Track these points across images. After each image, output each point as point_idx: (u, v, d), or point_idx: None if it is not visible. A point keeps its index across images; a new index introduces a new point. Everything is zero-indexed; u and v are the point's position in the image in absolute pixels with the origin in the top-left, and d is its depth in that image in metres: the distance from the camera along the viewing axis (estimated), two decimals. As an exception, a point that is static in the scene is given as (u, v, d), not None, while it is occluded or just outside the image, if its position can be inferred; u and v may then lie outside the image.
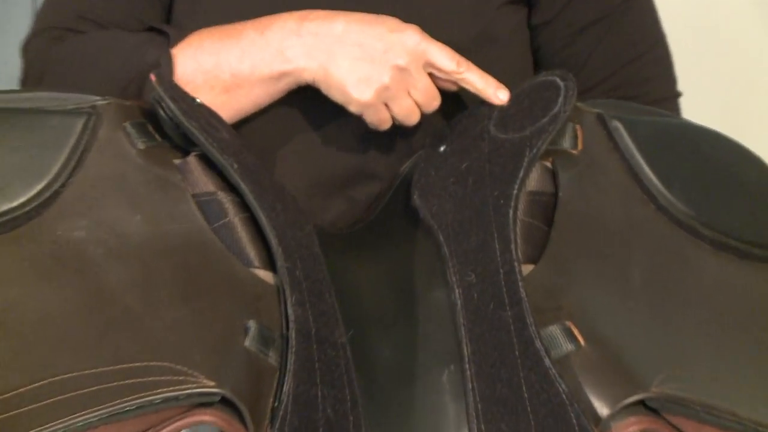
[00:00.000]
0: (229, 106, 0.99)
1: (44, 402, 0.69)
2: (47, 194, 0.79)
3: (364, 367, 0.82)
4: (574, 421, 0.76)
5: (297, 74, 0.98)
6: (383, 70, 0.95)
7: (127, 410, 0.71)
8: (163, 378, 0.72)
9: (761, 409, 0.77)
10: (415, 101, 0.98)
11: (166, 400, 0.72)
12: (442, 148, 0.97)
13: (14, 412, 0.68)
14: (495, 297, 0.82)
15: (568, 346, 0.79)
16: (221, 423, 0.74)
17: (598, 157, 0.91)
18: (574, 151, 0.92)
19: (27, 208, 0.79)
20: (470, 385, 0.79)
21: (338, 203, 1.06)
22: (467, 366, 0.80)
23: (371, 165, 1.06)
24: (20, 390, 0.69)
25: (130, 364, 0.73)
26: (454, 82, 0.99)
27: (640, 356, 0.79)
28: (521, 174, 0.87)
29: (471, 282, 0.84)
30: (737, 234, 0.87)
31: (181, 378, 0.73)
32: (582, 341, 0.79)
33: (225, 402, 0.75)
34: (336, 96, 0.97)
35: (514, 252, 0.83)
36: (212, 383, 0.73)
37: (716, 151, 0.93)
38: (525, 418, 0.77)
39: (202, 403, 0.74)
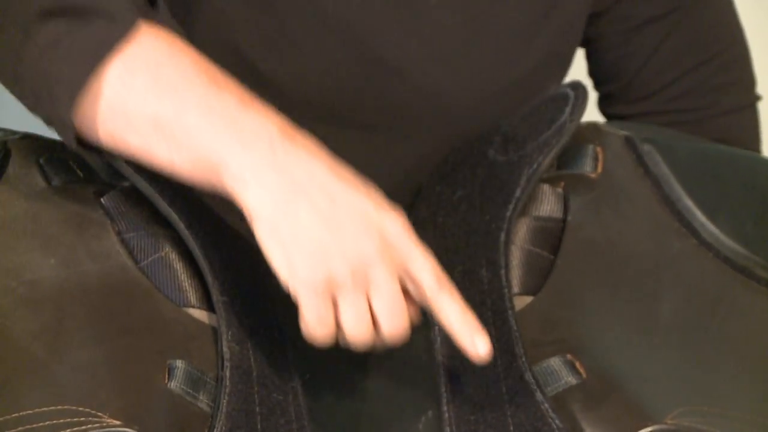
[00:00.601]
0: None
1: None
2: None
3: (323, 416, 0.71)
4: None
5: (230, 186, 0.67)
6: (348, 251, 0.65)
7: None
8: (60, 421, 0.64)
9: None
10: (372, 311, 0.67)
11: None
12: (438, 187, 0.85)
13: None
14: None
15: (567, 380, 0.69)
16: None
17: (623, 182, 0.80)
18: (593, 175, 0.80)
19: None
20: (448, 430, 0.68)
21: None
22: (445, 409, 0.69)
23: None
24: None
25: (27, 412, 0.64)
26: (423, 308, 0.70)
27: (655, 390, 0.68)
28: (517, 193, 0.76)
29: None
30: None
31: (81, 419, 0.64)
32: (584, 374, 0.69)
33: None
34: (267, 248, 0.66)
35: (503, 278, 0.72)
36: (117, 422, 0.64)
37: None
38: None
39: None
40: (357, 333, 0.66)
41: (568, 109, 0.79)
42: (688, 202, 0.78)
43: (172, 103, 0.66)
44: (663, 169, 0.80)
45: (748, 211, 0.79)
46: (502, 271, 0.72)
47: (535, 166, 0.77)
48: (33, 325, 0.68)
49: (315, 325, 0.66)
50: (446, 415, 0.69)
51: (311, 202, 0.65)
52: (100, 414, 0.64)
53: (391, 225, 0.66)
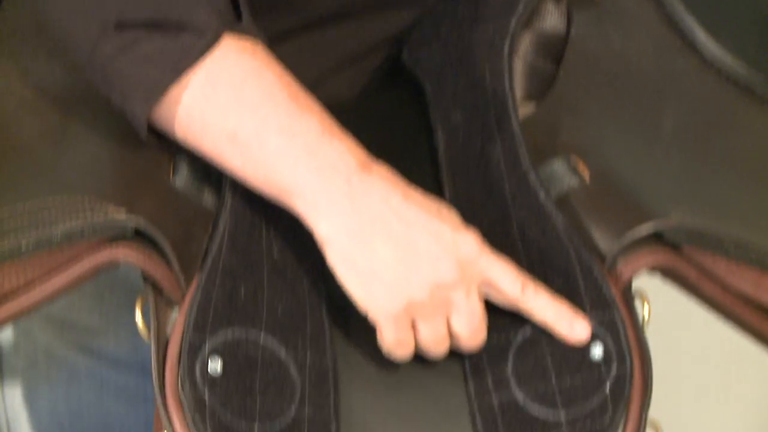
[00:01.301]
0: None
1: None
2: None
3: None
4: (573, 255, 0.66)
5: (303, 212, 0.66)
6: (426, 277, 0.65)
7: (23, 249, 0.63)
8: (66, 211, 0.64)
9: None
10: (452, 331, 0.67)
11: (67, 235, 0.63)
12: (441, 5, 0.84)
13: None
14: (484, 132, 0.71)
15: (570, 182, 0.69)
16: (137, 259, 0.64)
17: (626, 1, 0.79)
18: None
19: None
20: None
21: (348, 74, 0.89)
22: (447, 198, 0.71)
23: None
24: None
25: (33, 202, 0.65)
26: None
27: (657, 190, 0.68)
28: (521, 6, 0.75)
29: (457, 122, 0.73)
30: None
31: (87, 209, 0.64)
32: (587, 176, 0.69)
33: (146, 239, 0.65)
34: (342, 276, 0.65)
35: (507, 83, 0.72)
36: (123, 212, 0.64)
37: None
38: (515, 258, 0.67)
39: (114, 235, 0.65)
40: (434, 350, 0.66)
41: None
42: (691, 21, 0.77)
43: (254, 123, 0.64)
44: None
45: (751, 31, 0.79)
46: (506, 79, 0.72)
47: None
48: (39, 125, 0.68)
49: (394, 348, 0.66)
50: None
51: (387, 230, 0.64)
52: (105, 204, 0.64)
53: (468, 246, 0.65)
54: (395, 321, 0.65)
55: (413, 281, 0.64)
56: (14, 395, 0.93)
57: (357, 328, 0.67)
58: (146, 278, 0.65)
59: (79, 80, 0.70)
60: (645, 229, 0.66)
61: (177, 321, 0.64)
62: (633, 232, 0.66)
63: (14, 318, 0.64)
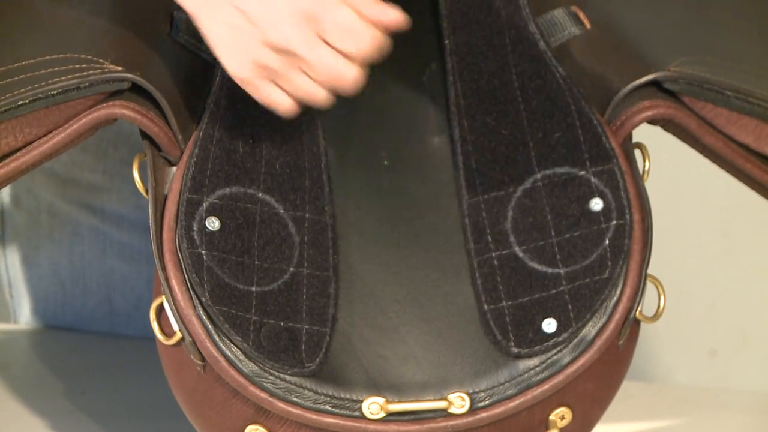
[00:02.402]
0: None
1: None
2: None
3: None
4: (572, 106, 0.65)
5: None
6: (264, 41, 0.64)
7: (20, 105, 0.62)
8: (62, 68, 0.63)
9: None
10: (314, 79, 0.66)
11: (64, 90, 0.63)
12: None
13: None
14: None
15: (571, 30, 0.68)
16: (134, 115, 0.64)
17: None
18: None
19: None
20: (451, 79, 0.69)
21: None
22: (448, 59, 0.69)
23: None
24: None
25: (30, 61, 0.64)
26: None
27: (659, 41, 0.67)
28: None
29: None
30: None
31: (83, 66, 0.64)
32: (588, 25, 0.68)
33: (144, 95, 0.65)
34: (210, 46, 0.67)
35: None
36: (119, 68, 0.63)
37: None
38: (515, 109, 0.67)
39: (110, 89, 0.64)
40: (308, 98, 0.65)
41: None
42: None
43: None
44: None
45: None
46: None
47: None
48: None
49: (271, 106, 0.65)
50: (449, 65, 0.69)
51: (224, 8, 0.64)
52: (101, 60, 0.63)
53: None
54: (252, 84, 0.65)
55: (252, 46, 0.63)
56: (16, 253, 0.94)
57: (356, 183, 0.67)
58: (144, 135, 0.64)
59: None
60: (645, 78, 0.65)
61: (175, 178, 0.64)
62: (633, 82, 0.65)
63: (14, 178, 0.64)
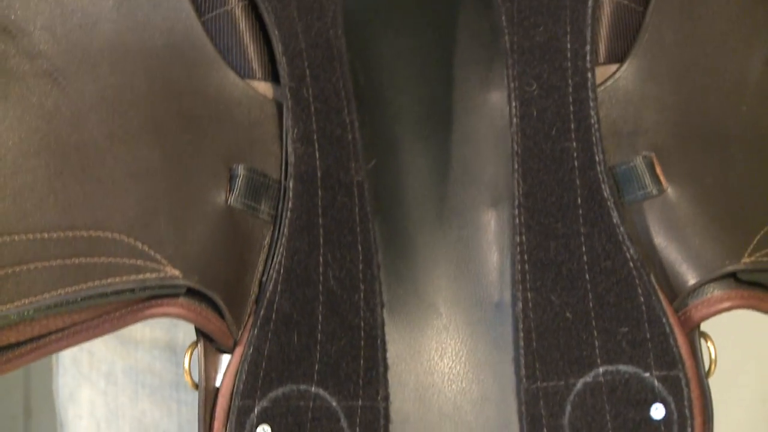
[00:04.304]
0: None
1: None
2: None
3: (387, 202, 0.67)
4: (642, 298, 0.61)
5: None
6: None
7: (70, 302, 0.59)
8: (117, 260, 0.59)
9: None
10: None
11: (117, 292, 0.59)
12: None
13: None
14: (559, 118, 0.65)
15: (647, 191, 0.64)
16: (189, 315, 0.61)
17: None
18: None
19: None
20: (519, 239, 0.64)
21: None
22: (517, 212, 0.65)
23: None
24: None
25: (80, 233, 0.59)
26: None
27: (745, 207, 0.63)
28: None
29: (531, 94, 0.66)
30: None
31: (138, 262, 0.59)
32: (665, 183, 0.64)
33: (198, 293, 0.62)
34: None
35: (588, 55, 0.65)
36: (177, 272, 0.60)
37: None
38: (581, 288, 0.63)
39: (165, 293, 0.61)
40: None
41: None
42: None
43: None
44: None
45: None
46: (587, 48, 0.65)
47: None
48: (91, 89, 0.62)
49: None
50: (517, 220, 0.65)
51: None
52: (158, 256, 0.59)
53: None
54: None
55: None
56: (64, 389, 0.91)
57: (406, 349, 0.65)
58: (198, 330, 0.62)
59: (132, 23, 0.64)
60: (718, 273, 0.61)
61: (227, 374, 0.61)
62: (705, 276, 0.62)
63: (58, 351, 0.61)
